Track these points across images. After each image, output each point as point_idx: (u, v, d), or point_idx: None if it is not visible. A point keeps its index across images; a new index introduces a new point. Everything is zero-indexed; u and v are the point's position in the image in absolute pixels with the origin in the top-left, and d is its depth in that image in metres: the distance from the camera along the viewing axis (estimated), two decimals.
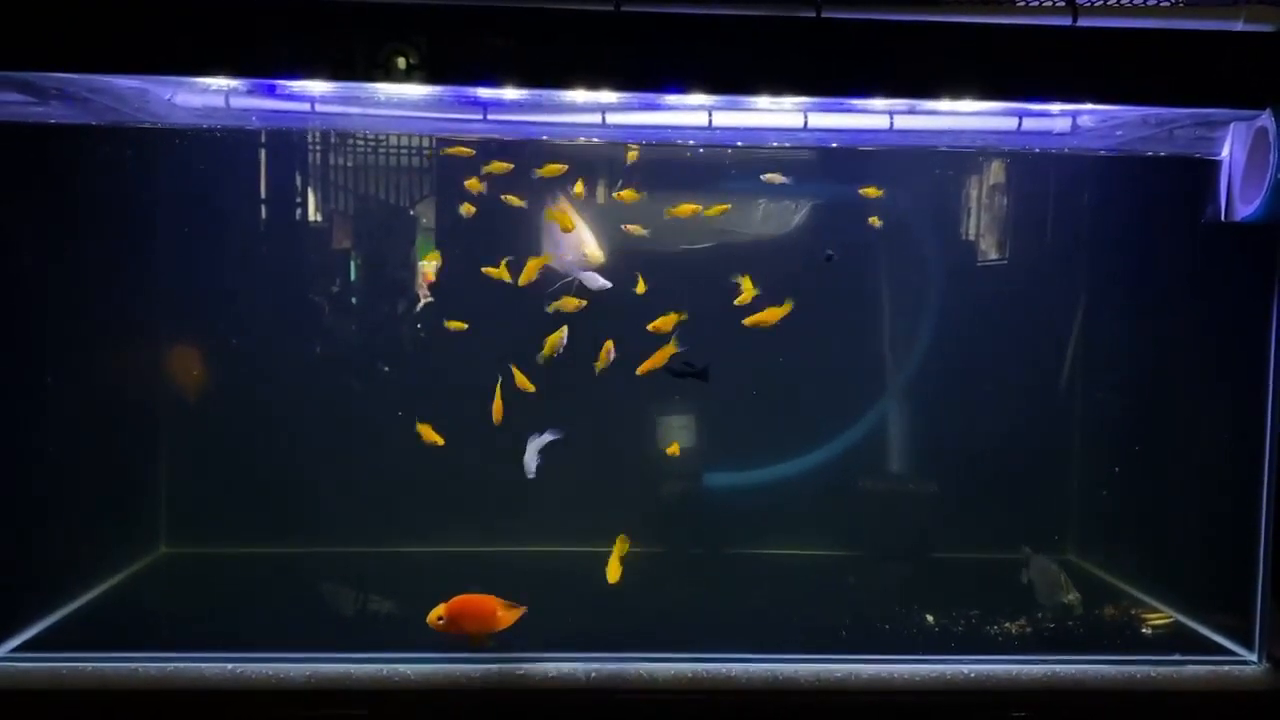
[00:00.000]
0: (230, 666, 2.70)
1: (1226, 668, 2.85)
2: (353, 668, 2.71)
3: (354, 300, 3.99)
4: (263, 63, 2.61)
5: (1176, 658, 2.87)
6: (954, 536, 3.82)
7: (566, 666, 2.73)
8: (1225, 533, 3.07)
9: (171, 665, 2.69)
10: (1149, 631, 3.07)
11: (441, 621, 2.77)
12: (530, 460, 3.10)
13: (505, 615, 2.84)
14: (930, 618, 3.17)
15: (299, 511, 3.74)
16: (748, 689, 2.73)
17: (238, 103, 3.01)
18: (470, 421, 3.67)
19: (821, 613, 3.22)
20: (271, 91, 2.90)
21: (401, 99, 2.92)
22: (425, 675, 2.70)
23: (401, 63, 2.55)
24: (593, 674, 2.72)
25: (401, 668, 2.70)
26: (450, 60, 2.60)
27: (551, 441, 3.11)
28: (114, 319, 3.58)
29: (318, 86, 2.85)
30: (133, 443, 3.76)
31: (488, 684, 2.69)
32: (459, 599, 2.82)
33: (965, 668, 2.79)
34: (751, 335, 3.71)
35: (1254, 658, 2.87)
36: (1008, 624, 3.12)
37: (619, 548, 2.99)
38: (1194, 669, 2.83)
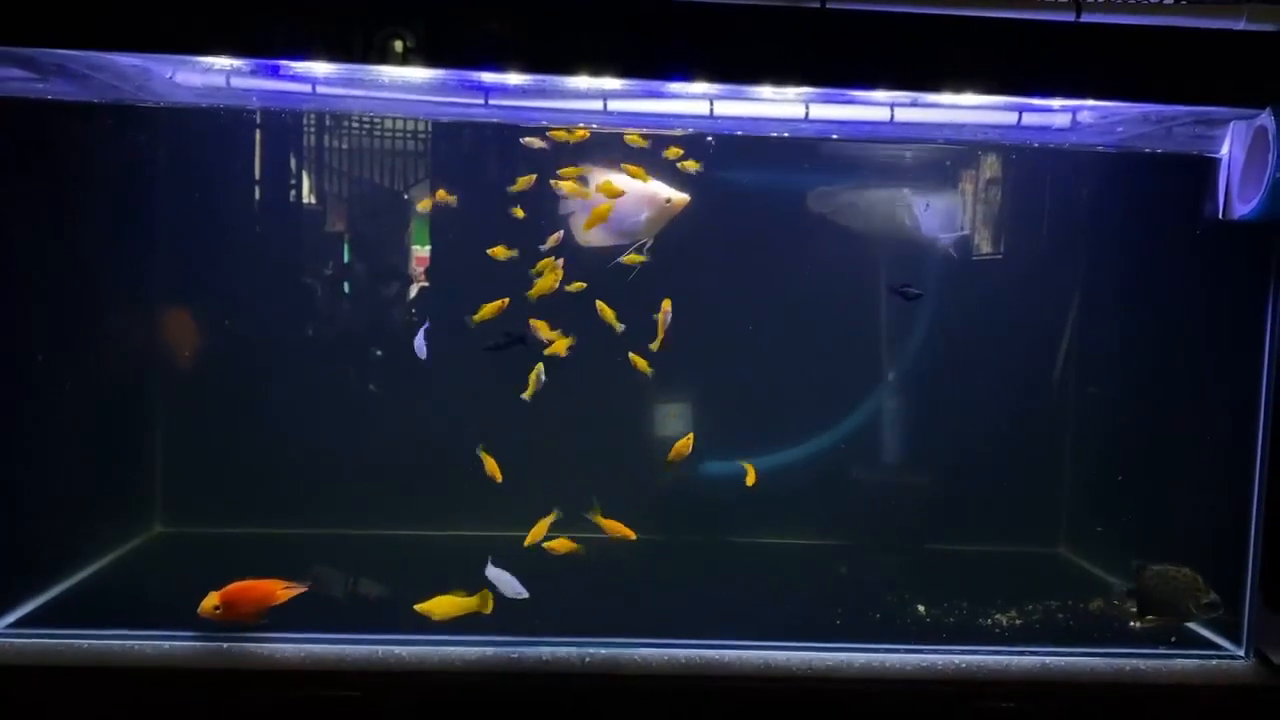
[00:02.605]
0: (225, 646, 2.71)
1: (1215, 662, 2.88)
2: (347, 649, 2.72)
3: (348, 284, 3.99)
4: (264, 42, 2.60)
5: (1165, 651, 2.90)
6: (947, 528, 3.84)
7: (562, 650, 2.75)
8: (1215, 528, 3.10)
9: (168, 644, 2.70)
10: (1138, 625, 3.09)
11: (218, 610, 2.74)
12: None
13: (284, 593, 2.83)
14: (922, 608, 3.19)
15: (294, 492, 3.74)
16: (740, 675, 2.75)
17: (239, 83, 3.00)
18: (470, 407, 3.71)
19: (814, 602, 3.24)
20: (274, 72, 2.89)
21: (405, 82, 2.92)
22: (419, 657, 2.71)
23: (401, 46, 2.54)
24: (588, 658, 2.74)
25: (396, 649, 2.72)
26: (455, 44, 2.59)
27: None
28: (111, 297, 3.57)
29: (320, 68, 2.84)
30: (128, 422, 3.75)
31: (483, 666, 2.70)
32: (233, 586, 2.79)
33: (956, 658, 2.82)
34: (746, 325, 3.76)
35: (1241, 652, 2.90)
36: (999, 615, 3.14)
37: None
38: (1183, 663, 2.86)
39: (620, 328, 3.13)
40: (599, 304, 3.13)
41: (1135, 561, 3.17)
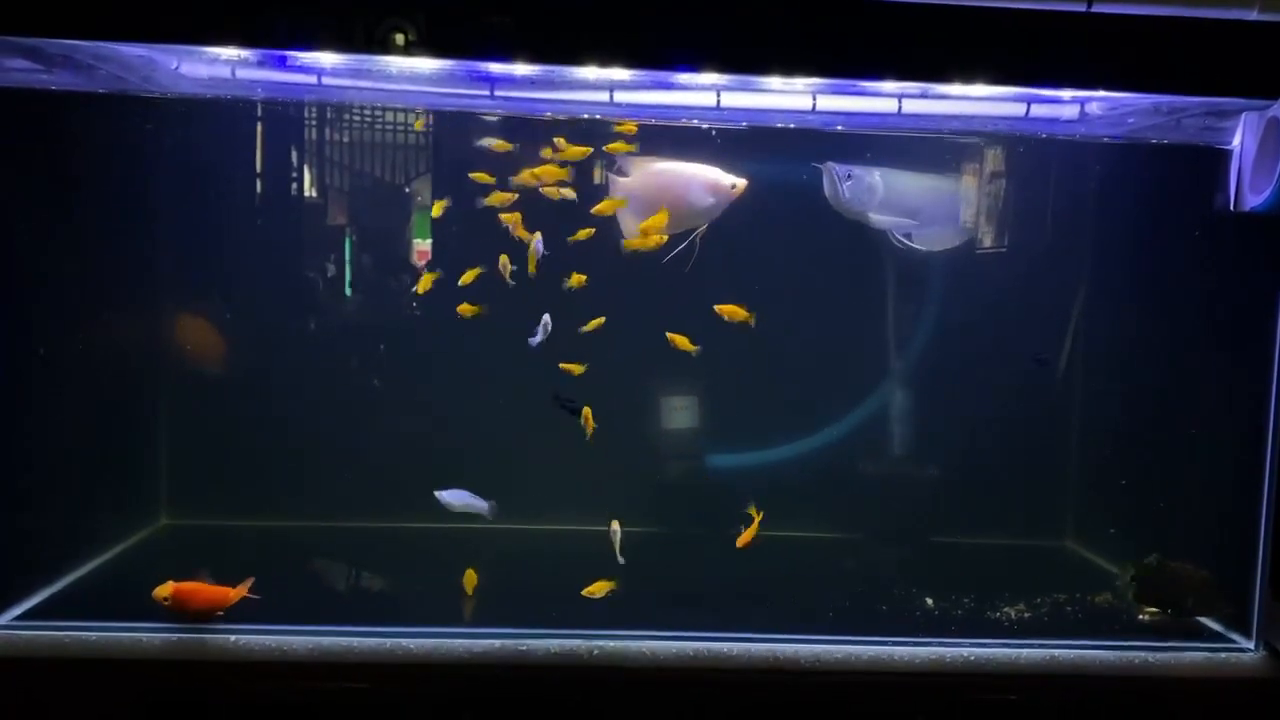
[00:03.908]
0: (233, 638, 2.70)
1: (1224, 655, 2.86)
2: (354, 640, 2.71)
3: (352, 277, 3.99)
4: (271, 32, 2.59)
5: (1174, 644, 2.89)
6: (953, 521, 3.84)
7: (569, 643, 2.74)
8: (1224, 520, 3.08)
9: (175, 635, 2.69)
10: (1147, 618, 3.08)
11: (167, 602, 2.74)
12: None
13: (234, 594, 2.81)
14: (930, 601, 3.19)
15: (300, 484, 3.74)
16: (748, 668, 2.74)
17: (244, 74, 2.99)
18: (474, 399, 3.71)
19: (821, 594, 3.24)
20: (280, 63, 2.87)
21: (412, 73, 2.91)
22: (427, 649, 2.71)
23: (405, 36, 2.53)
24: (594, 651, 2.73)
25: (404, 641, 2.71)
26: (460, 33, 2.58)
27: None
28: (114, 289, 3.56)
29: (326, 59, 2.83)
30: (133, 414, 3.75)
31: (489, 658, 2.70)
32: (187, 584, 2.78)
33: (964, 650, 2.81)
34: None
35: (1251, 645, 2.89)
36: (1007, 608, 3.14)
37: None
38: (1191, 655, 2.85)
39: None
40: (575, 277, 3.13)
41: (1155, 556, 3.14)
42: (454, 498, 3.04)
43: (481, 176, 3.26)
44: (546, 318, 3.10)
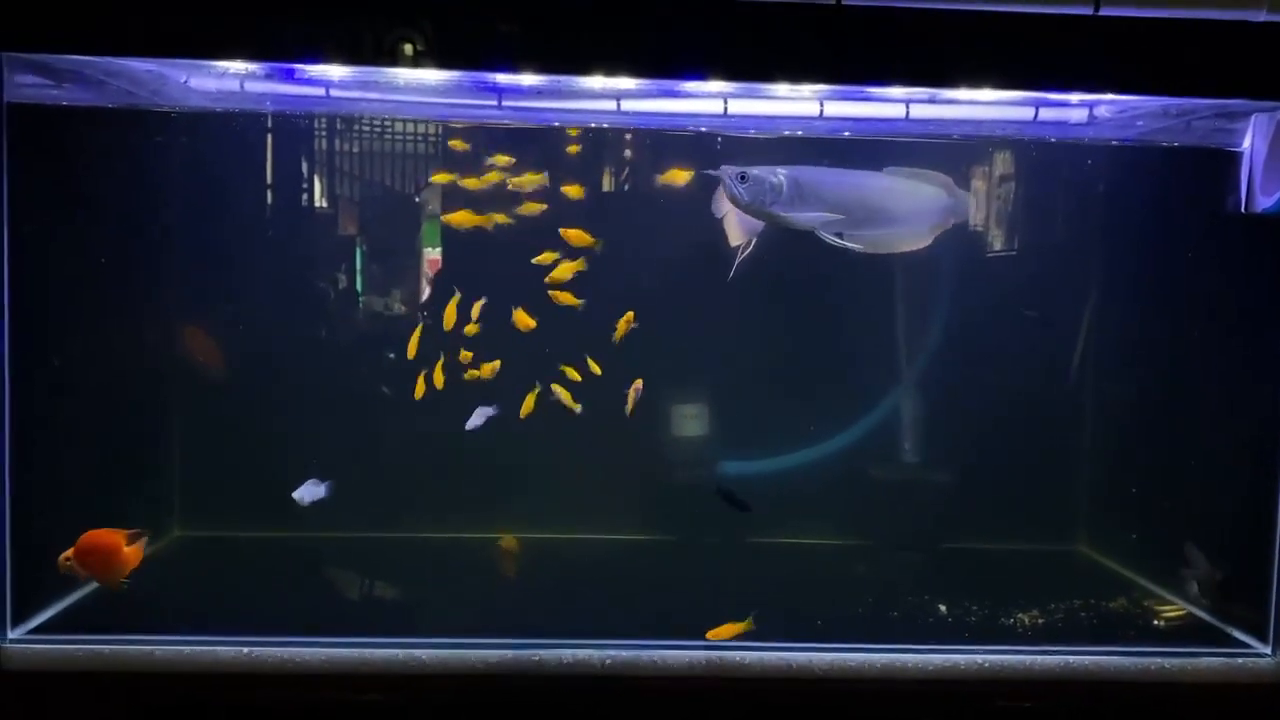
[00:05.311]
0: (245, 650, 2.70)
1: (1240, 660, 2.84)
2: (367, 652, 2.71)
3: (363, 288, 4.00)
4: (279, 45, 2.60)
5: (1189, 649, 2.87)
6: (965, 527, 3.82)
7: (581, 653, 2.73)
8: (1238, 525, 3.07)
9: (187, 648, 2.70)
10: (1162, 623, 3.07)
11: (69, 563, 2.74)
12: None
13: (130, 551, 2.79)
14: (943, 608, 3.17)
15: None
16: (761, 677, 2.74)
17: (253, 87, 3.01)
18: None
19: (835, 602, 3.23)
20: (289, 76, 2.89)
21: (420, 84, 2.92)
22: (440, 659, 2.71)
23: (411, 48, 2.54)
24: (607, 660, 2.73)
25: (417, 652, 2.71)
26: (467, 44, 2.59)
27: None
28: (127, 301, 3.57)
29: (334, 71, 2.84)
30: (146, 426, 3.76)
31: (502, 668, 2.69)
32: (84, 538, 2.77)
33: (979, 657, 2.79)
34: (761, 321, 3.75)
35: (1267, 650, 2.86)
36: (1021, 614, 3.12)
37: None
38: (1207, 661, 2.83)
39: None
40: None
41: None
42: (304, 493, 3.10)
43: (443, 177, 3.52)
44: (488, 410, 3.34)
